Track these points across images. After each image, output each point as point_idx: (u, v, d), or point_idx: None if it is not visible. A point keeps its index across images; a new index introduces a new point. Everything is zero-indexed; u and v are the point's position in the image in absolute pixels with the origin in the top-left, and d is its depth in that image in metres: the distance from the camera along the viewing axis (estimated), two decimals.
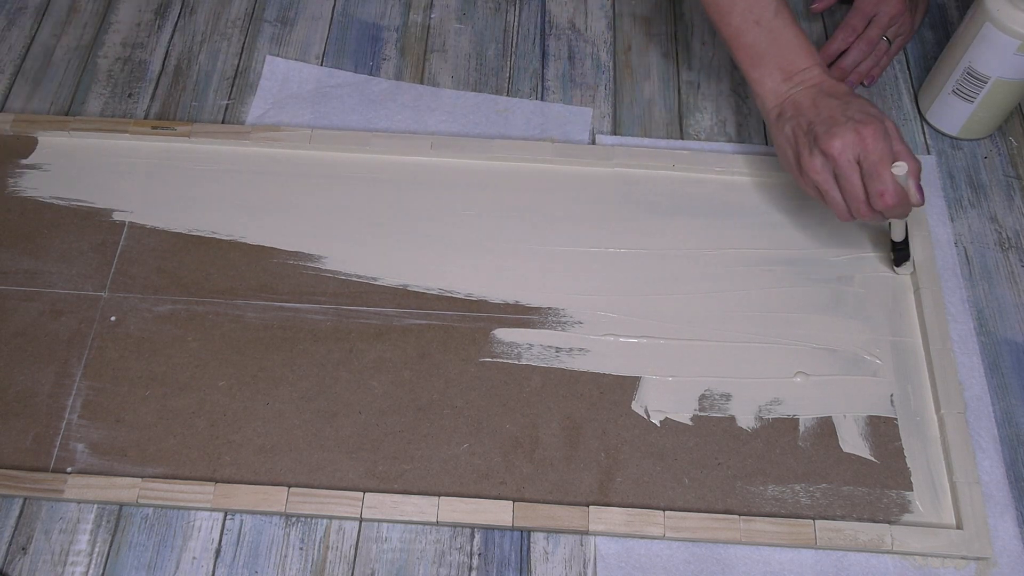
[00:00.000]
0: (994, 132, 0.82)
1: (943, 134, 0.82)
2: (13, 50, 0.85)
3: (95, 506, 0.63)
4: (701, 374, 0.68)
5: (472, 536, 0.62)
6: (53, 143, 0.78)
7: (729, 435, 0.65)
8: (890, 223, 0.70)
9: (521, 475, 0.63)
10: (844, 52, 0.83)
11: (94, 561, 0.61)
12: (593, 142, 0.81)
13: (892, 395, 0.67)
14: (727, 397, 0.67)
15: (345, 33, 0.88)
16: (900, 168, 0.63)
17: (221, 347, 0.68)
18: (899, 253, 0.71)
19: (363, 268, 0.72)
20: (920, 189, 0.64)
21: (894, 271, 0.72)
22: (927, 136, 0.82)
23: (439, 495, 0.62)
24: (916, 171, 0.64)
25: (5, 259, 0.72)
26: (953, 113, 0.79)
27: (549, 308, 0.70)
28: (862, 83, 0.84)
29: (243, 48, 0.86)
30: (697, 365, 0.68)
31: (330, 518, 0.62)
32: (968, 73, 0.76)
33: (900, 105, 0.84)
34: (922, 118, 0.83)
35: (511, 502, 0.61)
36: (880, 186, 0.63)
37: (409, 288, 0.71)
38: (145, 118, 0.81)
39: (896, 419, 0.66)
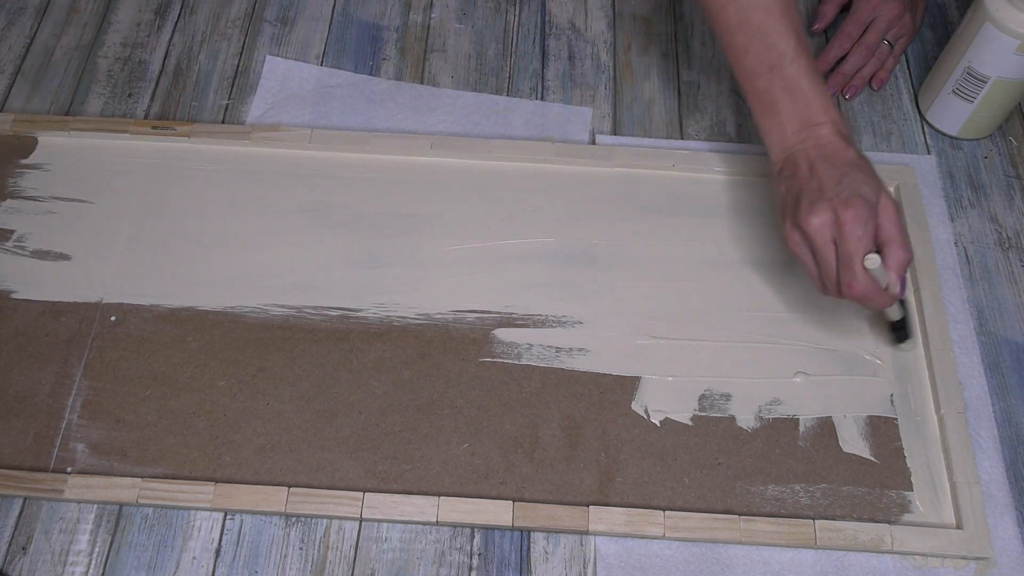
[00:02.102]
0: (994, 132, 0.82)
1: (943, 134, 0.82)
2: (13, 50, 0.85)
3: (95, 506, 0.63)
4: (701, 374, 0.68)
5: (472, 536, 0.62)
6: (53, 143, 0.78)
7: (729, 435, 0.65)
8: None
9: (521, 475, 0.63)
10: (844, 58, 0.83)
11: (94, 561, 0.61)
12: (593, 142, 0.80)
13: (892, 395, 0.67)
14: (727, 397, 0.67)
15: (345, 33, 0.88)
16: (872, 261, 0.58)
17: (221, 347, 0.68)
18: (898, 333, 0.67)
19: (362, 268, 0.72)
20: (903, 282, 0.60)
21: (898, 348, 0.68)
22: (927, 136, 0.82)
23: (439, 495, 0.62)
24: (900, 263, 0.59)
25: None
26: (953, 113, 0.79)
27: (549, 308, 0.70)
28: (869, 86, 0.84)
29: (243, 48, 0.86)
30: (697, 365, 0.68)
31: (330, 518, 0.62)
32: (968, 73, 0.76)
33: (900, 105, 0.84)
34: (922, 118, 0.83)
35: (511, 502, 0.61)
36: (849, 276, 0.59)
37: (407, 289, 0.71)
38: (145, 118, 0.81)
39: (896, 419, 0.66)
